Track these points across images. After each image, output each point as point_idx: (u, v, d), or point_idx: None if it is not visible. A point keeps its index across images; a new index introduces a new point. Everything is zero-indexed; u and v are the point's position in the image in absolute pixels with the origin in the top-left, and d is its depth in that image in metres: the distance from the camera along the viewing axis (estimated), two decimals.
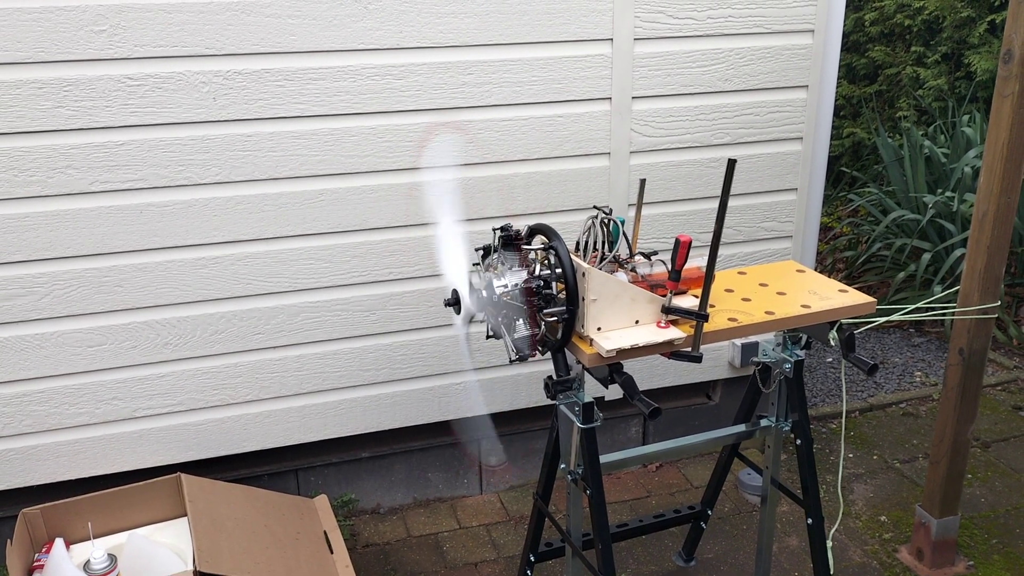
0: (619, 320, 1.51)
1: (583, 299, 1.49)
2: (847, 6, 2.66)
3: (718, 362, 2.74)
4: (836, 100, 3.04)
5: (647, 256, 1.66)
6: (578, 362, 1.58)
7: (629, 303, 1.50)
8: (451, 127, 2.25)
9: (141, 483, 2.21)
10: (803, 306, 1.66)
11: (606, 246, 1.60)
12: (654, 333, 1.51)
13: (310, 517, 2.31)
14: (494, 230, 1.51)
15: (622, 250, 1.63)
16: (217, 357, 2.29)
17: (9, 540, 2.00)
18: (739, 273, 1.83)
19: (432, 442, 2.62)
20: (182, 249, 2.16)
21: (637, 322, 1.53)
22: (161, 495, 2.18)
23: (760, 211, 2.64)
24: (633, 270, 1.59)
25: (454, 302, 1.52)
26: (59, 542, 2.04)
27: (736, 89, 2.46)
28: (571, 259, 1.48)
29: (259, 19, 2.02)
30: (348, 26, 2.09)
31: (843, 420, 2.38)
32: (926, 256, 3.63)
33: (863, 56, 4.99)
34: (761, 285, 1.77)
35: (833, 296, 1.72)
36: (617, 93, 2.35)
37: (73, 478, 2.29)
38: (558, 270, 1.49)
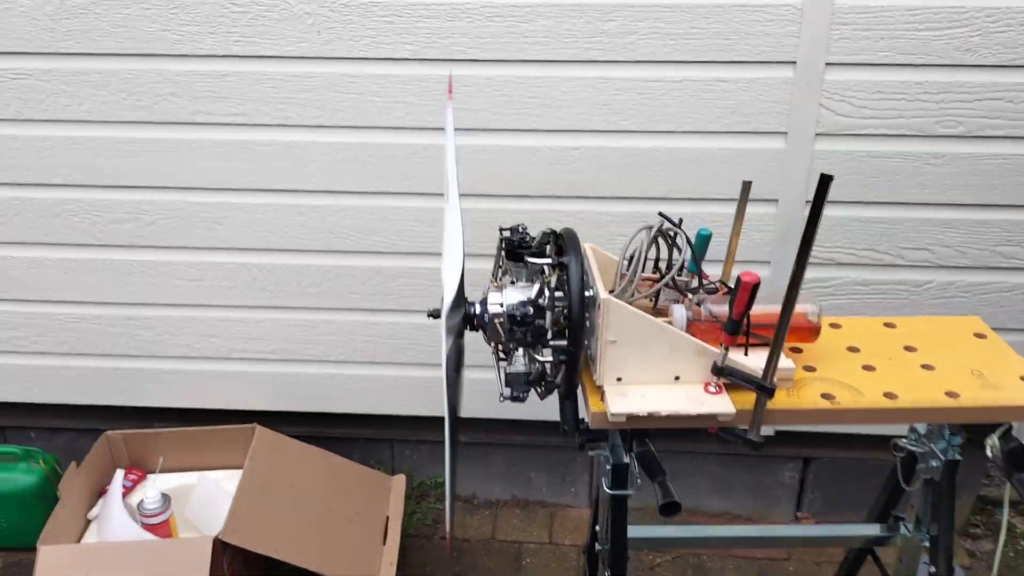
0: (650, 372, 1.16)
1: (598, 338, 1.17)
2: None
3: None
4: None
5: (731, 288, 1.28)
6: None
7: (667, 352, 1.14)
8: (583, 84, 1.95)
9: (221, 427, 2.23)
10: (949, 394, 1.18)
11: (670, 267, 1.26)
12: (693, 399, 1.15)
13: (379, 497, 2.20)
14: (501, 231, 1.24)
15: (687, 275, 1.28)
16: (312, 311, 2.22)
17: (75, 463, 2.09)
18: (886, 325, 1.37)
19: (536, 440, 2.40)
20: (280, 193, 2.09)
21: (678, 378, 1.17)
22: (238, 442, 2.16)
23: (997, 230, 2.01)
24: (699, 304, 1.24)
25: (437, 315, 1.24)
26: (118, 476, 2.10)
27: (982, 64, 1.85)
28: (582, 282, 1.13)
29: None
30: None
31: (997, 556, 1.75)
32: None
33: None
34: (907, 349, 1.30)
35: (1008, 385, 1.22)
36: (805, 56, 1.88)
37: (172, 406, 2.36)
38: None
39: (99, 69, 1.97)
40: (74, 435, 2.50)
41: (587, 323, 1.15)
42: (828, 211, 1.99)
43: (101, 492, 2.16)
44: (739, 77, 1.90)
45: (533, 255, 1.17)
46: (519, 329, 1.13)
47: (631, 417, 1.11)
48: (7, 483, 2.19)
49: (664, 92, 1.93)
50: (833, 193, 1.87)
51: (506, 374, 1.20)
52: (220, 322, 2.25)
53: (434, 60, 1.93)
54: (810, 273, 2.09)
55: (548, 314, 1.15)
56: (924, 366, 1.25)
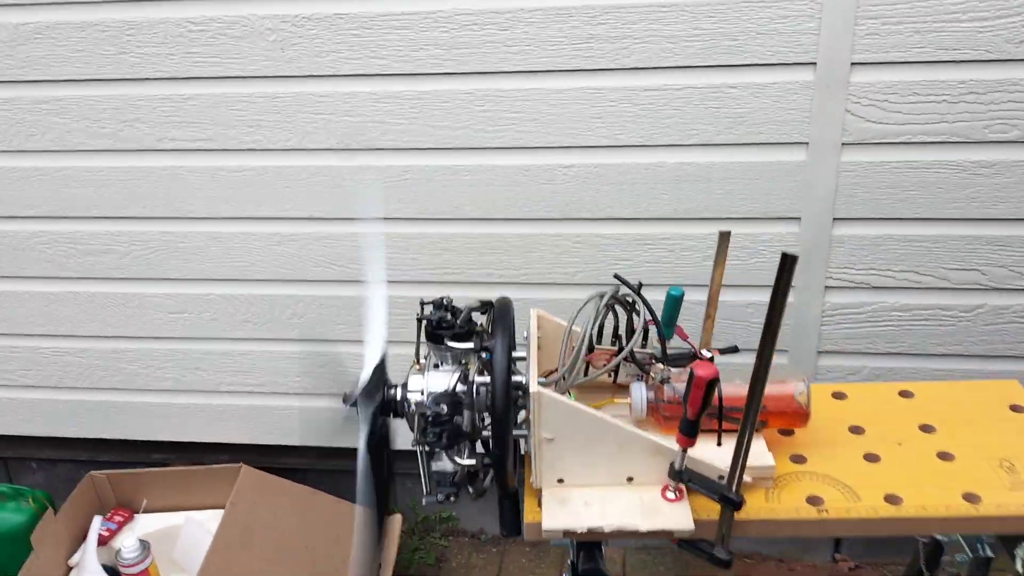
0: (597, 473, 0.98)
1: (533, 435, 0.98)
2: None
3: None
4: None
5: (711, 358, 1.09)
6: None
7: (615, 451, 0.96)
8: (573, 96, 1.75)
9: (206, 467, 2.11)
10: (968, 496, 0.96)
11: (627, 339, 1.06)
12: (646, 509, 0.96)
13: None
14: (421, 304, 1.08)
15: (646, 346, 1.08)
16: (296, 343, 2.12)
17: (52, 510, 1.99)
18: (901, 394, 1.15)
19: None
20: (256, 221, 1.94)
21: (631, 479, 0.98)
22: (225, 481, 2.04)
23: None
24: (663, 381, 1.04)
25: (351, 400, 1.07)
26: (95, 523, 2.01)
27: None
28: (508, 372, 0.95)
29: None
30: None
31: None
32: None
33: None
34: (923, 428, 1.08)
35: None
36: (826, 55, 1.63)
37: (161, 439, 2.26)
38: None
39: (59, 96, 1.86)
40: (72, 466, 2.42)
41: (516, 420, 0.98)
42: (860, 229, 1.80)
43: (85, 535, 2.09)
44: (750, 82, 1.67)
45: (455, 337, 1.00)
46: (432, 429, 0.97)
47: (568, 532, 0.94)
48: None
49: (665, 102, 1.72)
50: (864, 209, 1.69)
51: (431, 471, 1.04)
52: (205, 355, 2.14)
53: (407, 75, 1.75)
54: (840, 298, 1.90)
55: (467, 412, 0.98)
56: (941, 454, 1.04)
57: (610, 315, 1.10)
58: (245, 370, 2.14)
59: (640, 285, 1.11)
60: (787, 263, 0.83)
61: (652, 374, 1.06)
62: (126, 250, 2.02)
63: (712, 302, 1.16)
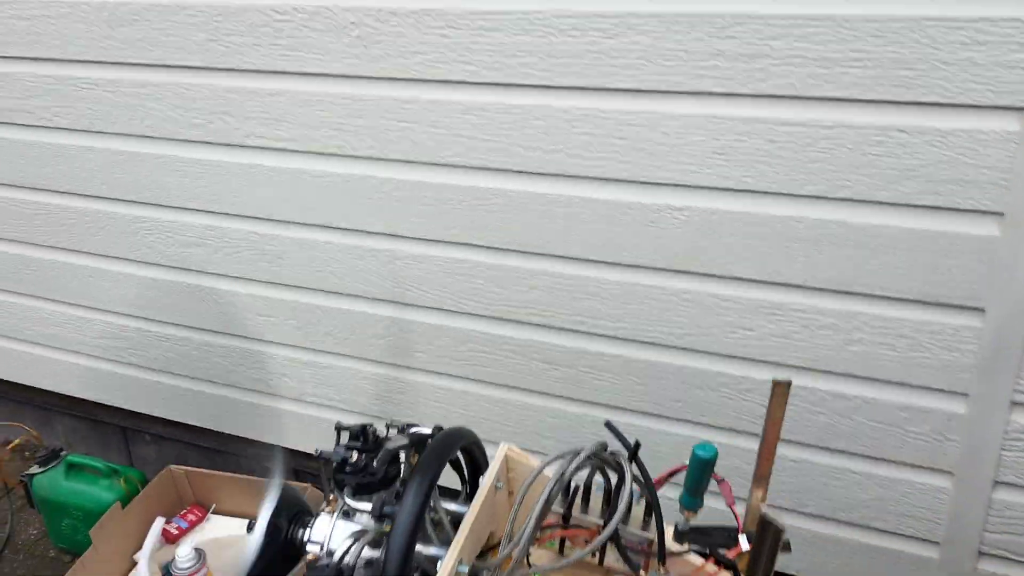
0: None
1: None
2: None
3: None
4: None
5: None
6: None
7: None
8: (691, 124, 1.40)
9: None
10: None
11: (619, 515, 0.76)
12: None
13: None
14: (338, 430, 0.82)
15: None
16: (377, 364, 1.92)
17: (119, 504, 1.98)
18: None
19: None
20: (339, 232, 1.77)
21: None
22: None
23: None
24: None
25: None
26: (156, 526, 1.97)
27: None
28: (406, 557, 0.69)
29: None
30: None
31: None
32: None
33: None
34: None
35: None
36: None
37: (248, 437, 2.17)
38: None
39: (155, 81, 1.78)
40: (178, 446, 2.42)
41: None
42: None
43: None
44: (929, 126, 1.25)
45: (360, 488, 0.75)
46: None
47: None
48: (88, 497, 2.17)
49: (809, 142, 1.33)
50: None
51: None
52: (289, 362, 2.03)
53: (497, 85, 1.50)
54: None
55: None
56: None
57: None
58: (326, 383, 2.01)
59: (637, 445, 0.80)
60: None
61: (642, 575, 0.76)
62: (216, 246, 1.95)
63: (764, 461, 0.83)
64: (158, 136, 1.85)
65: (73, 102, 1.90)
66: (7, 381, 2.50)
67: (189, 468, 2.09)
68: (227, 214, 1.89)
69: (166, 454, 2.48)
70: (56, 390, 2.42)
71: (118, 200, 1.99)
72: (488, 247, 1.66)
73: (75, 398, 2.40)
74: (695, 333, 1.56)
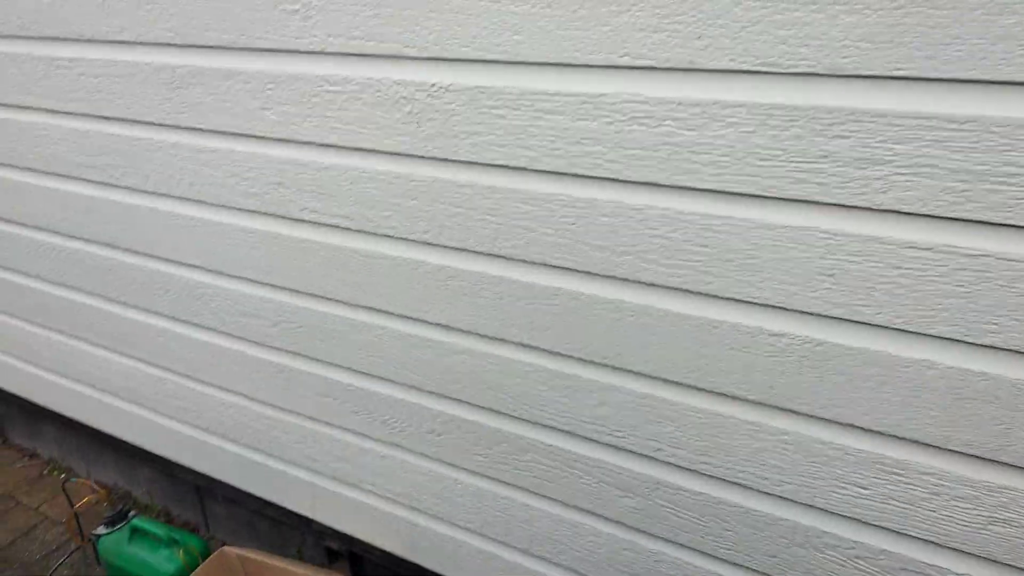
0: None
1: None
2: None
3: None
4: None
5: None
6: None
7: None
8: (791, 236, 1.13)
9: (321, 568, 1.90)
10: None
11: None
12: None
13: None
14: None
15: None
16: (433, 461, 1.73)
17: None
18: None
19: None
20: (392, 317, 1.60)
21: None
22: None
23: None
24: None
25: None
26: None
27: None
28: None
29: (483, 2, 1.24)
30: (609, 21, 1.13)
31: None
32: None
33: None
34: None
35: None
36: None
37: (307, 515, 2.05)
38: None
39: (211, 147, 1.66)
40: (250, 512, 2.34)
41: None
42: None
43: None
44: None
45: None
46: None
47: None
48: (147, 567, 2.09)
49: (943, 271, 1.02)
50: None
51: None
52: (347, 447, 1.86)
53: (558, 174, 1.28)
54: None
55: None
56: None
57: None
58: (383, 473, 1.85)
59: None
60: None
61: None
62: (274, 320, 1.82)
63: None
64: (215, 203, 1.74)
65: (139, 163, 1.82)
66: (90, 427, 2.50)
67: (243, 553, 1.97)
68: (281, 287, 1.75)
69: (237, 515, 2.41)
70: (134, 442, 2.39)
71: (181, 264, 1.89)
72: (548, 351, 1.43)
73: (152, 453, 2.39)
74: (796, 482, 1.28)
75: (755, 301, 1.18)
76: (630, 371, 1.36)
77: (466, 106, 1.31)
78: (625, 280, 1.29)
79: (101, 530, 2.18)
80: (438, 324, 1.55)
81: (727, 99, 1.08)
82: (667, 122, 1.14)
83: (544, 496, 1.60)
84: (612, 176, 1.22)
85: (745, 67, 1.06)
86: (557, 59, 1.19)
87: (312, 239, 1.63)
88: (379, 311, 1.62)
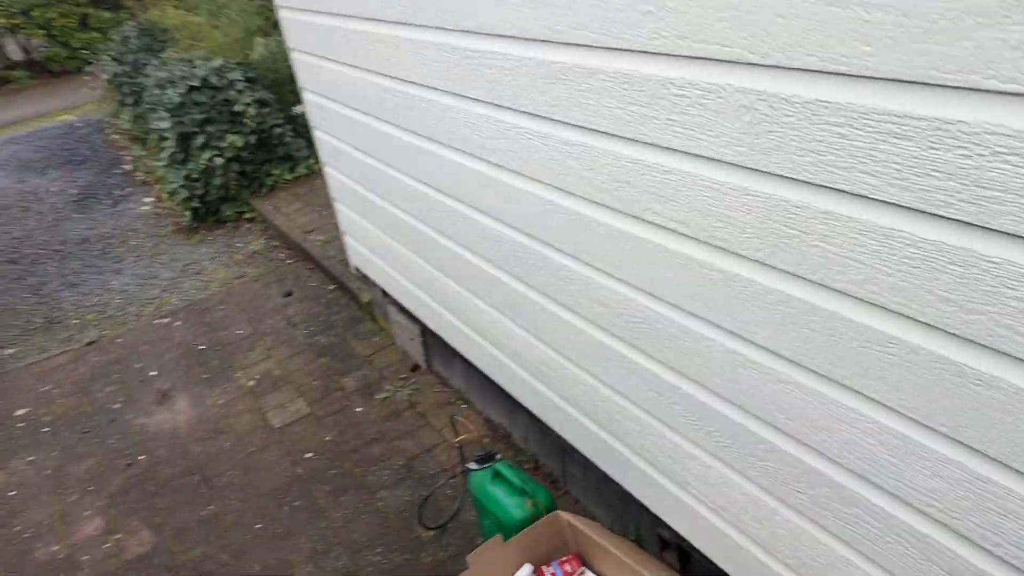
0: None
1: None
2: None
3: None
4: None
5: None
6: None
7: None
8: None
9: (643, 552, 1.86)
10: None
11: None
12: None
13: None
14: None
15: None
16: (752, 483, 1.61)
17: (500, 536, 2.00)
18: None
19: None
20: (722, 332, 1.50)
21: None
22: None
23: None
24: None
25: None
26: (524, 571, 1.98)
27: None
28: None
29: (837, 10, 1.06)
30: (973, 36, 0.90)
31: None
32: None
33: None
34: None
35: None
36: None
37: (638, 499, 2.08)
38: None
39: (574, 140, 1.69)
40: (598, 480, 2.44)
41: None
42: None
43: (536, 563, 2.09)
44: None
45: None
46: None
47: None
48: (500, 507, 2.28)
49: None
50: None
51: None
52: (676, 448, 1.81)
53: (902, 208, 1.07)
54: None
55: None
56: None
57: None
58: (707, 482, 1.77)
59: None
60: None
61: None
62: (619, 310, 1.82)
63: None
64: (573, 192, 1.80)
65: (520, 151, 1.94)
66: (484, 373, 2.80)
67: (574, 522, 2.05)
68: (625, 282, 1.76)
69: (589, 478, 2.54)
70: (512, 395, 2.62)
71: (548, 245, 2.00)
72: (882, 403, 1.24)
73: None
74: None
75: None
76: (969, 447, 1.13)
77: (806, 120, 1.16)
78: (972, 343, 1.06)
79: (472, 466, 2.46)
80: (765, 348, 1.43)
81: None
82: None
83: (867, 557, 1.41)
84: (965, 219, 1.00)
85: None
86: (909, 76, 1.00)
87: (652, 240, 1.60)
88: (710, 323, 1.55)
